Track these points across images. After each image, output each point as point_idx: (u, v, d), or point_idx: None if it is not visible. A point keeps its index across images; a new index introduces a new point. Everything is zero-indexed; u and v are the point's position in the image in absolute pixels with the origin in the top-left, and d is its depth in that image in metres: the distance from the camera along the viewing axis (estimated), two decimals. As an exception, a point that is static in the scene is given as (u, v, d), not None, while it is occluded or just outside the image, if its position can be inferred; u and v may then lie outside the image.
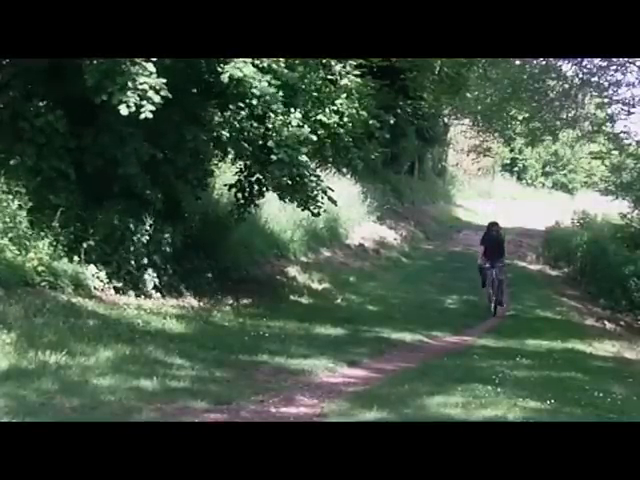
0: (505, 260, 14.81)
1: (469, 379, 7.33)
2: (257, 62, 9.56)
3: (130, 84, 8.19)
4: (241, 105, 10.20)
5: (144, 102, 8.20)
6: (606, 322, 15.13)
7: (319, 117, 11.01)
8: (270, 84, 9.62)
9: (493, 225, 14.98)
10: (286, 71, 9.88)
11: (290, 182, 10.71)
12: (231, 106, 10.41)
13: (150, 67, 8.33)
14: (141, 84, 8.23)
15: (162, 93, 8.35)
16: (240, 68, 9.24)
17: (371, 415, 5.54)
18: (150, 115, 8.27)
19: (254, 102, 9.82)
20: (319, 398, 6.34)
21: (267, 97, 9.60)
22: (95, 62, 8.35)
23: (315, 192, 11.06)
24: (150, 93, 8.24)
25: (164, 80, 8.39)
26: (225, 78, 9.23)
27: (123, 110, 8.17)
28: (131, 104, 8.15)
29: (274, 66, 9.69)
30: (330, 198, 11.33)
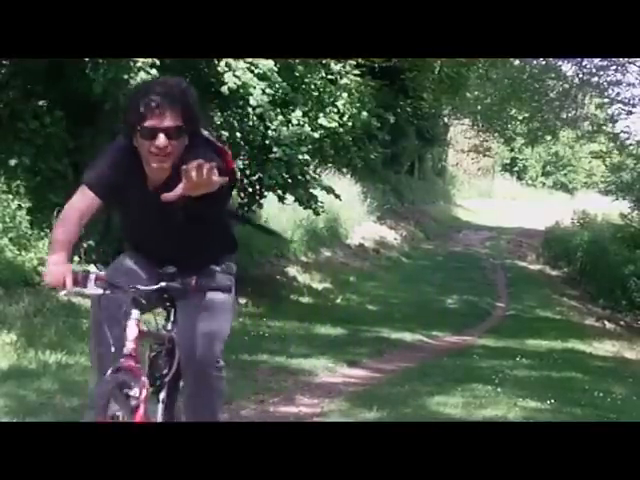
0: (226, 276, 3.31)
1: (469, 379, 7.33)
2: (253, 68, 9.61)
3: None
4: (240, 105, 10.23)
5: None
6: (606, 322, 15.14)
7: (320, 121, 11.03)
8: (264, 92, 9.67)
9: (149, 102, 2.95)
10: (280, 79, 9.93)
11: (290, 180, 10.75)
12: (231, 107, 10.43)
13: (154, 72, 8.35)
14: None
15: None
16: (239, 76, 9.30)
17: (371, 415, 5.54)
18: None
19: (249, 110, 9.90)
20: (319, 398, 6.33)
21: (263, 106, 9.67)
22: (101, 70, 8.38)
23: (316, 190, 11.14)
24: None
25: None
26: (225, 90, 9.31)
27: None
28: None
29: (269, 74, 9.73)
30: (334, 193, 11.43)
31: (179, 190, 2.68)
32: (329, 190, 11.38)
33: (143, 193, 3.18)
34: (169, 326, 3.26)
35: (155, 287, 3.03)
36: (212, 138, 3.32)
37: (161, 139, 2.98)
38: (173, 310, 3.26)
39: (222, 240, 3.42)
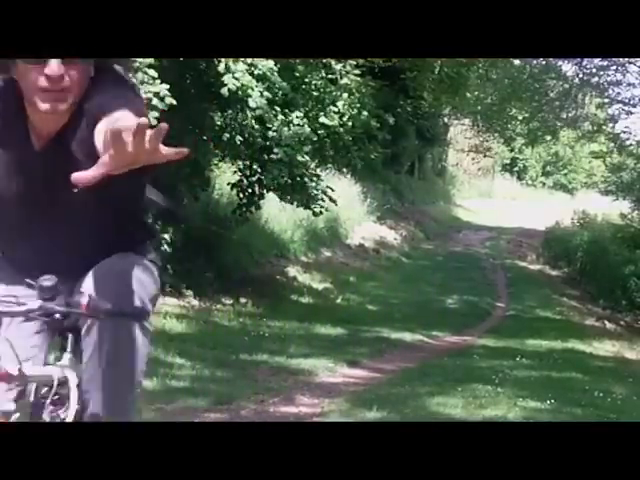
0: (148, 264, 2.21)
1: (469, 379, 7.34)
2: (252, 69, 9.62)
3: None
4: (240, 107, 10.25)
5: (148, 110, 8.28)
6: (606, 322, 15.14)
7: (321, 120, 11.04)
8: (262, 95, 9.69)
9: None
10: (279, 79, 9.95)
11: (290, 181, 10.77)
12: (231, 107, 10.45)
13: (152, 73, 8.37)
14: (145, 92, 8.28)
15: (167, 101, 8.39)
16: (238, 78, 9.33)
17: (371, 415, 5.54)
18: (154, 122, 8.32)
19: (249, 112, 9.96)
20: (319, 398, 6.34)
21: (262, 107, 9.71)
22: None
23: (315, 192, 11.14)
24: (155, 101, 8.31)
25: (167, 86, 8.42)
26: (225, 92, 9.35)
27: None
28: None
29: (269, 74, 9.75)
30: (330, 198, 11.41)
31: (102, 167, 1.57)
32: (326, 192, 11.37)
33: (24, 152, 2.04)
34: (65, 359, 2.09)
35: (21, 310, 1.95)
36: (127, 76, 2.31)
37: (54, 65, 1.96)
38: (71, 335, 2.09)
39: (138, 226, 2.29)
